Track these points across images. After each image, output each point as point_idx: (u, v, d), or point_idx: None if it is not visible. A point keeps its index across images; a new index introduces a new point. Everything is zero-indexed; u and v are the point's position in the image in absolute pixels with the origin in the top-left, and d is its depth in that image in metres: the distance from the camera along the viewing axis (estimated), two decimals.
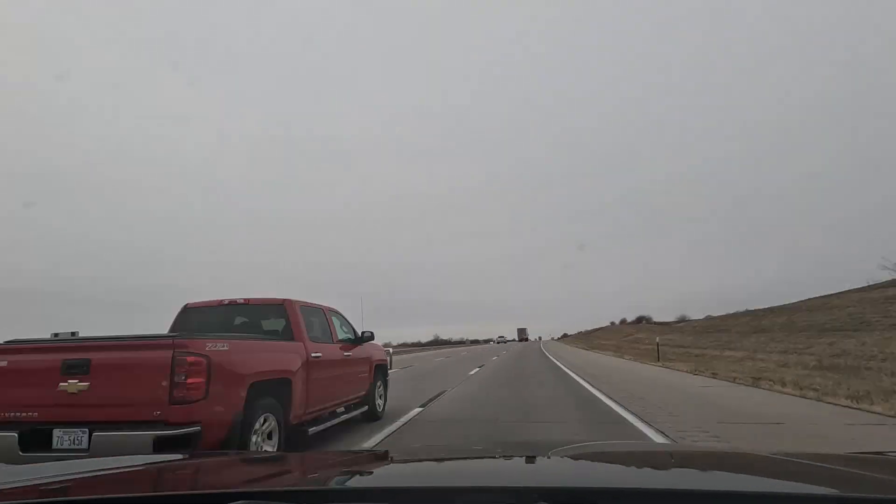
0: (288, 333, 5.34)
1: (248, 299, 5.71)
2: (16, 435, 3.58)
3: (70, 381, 3.63)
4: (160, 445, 3.46)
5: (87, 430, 3.58)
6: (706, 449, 2.99)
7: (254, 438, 4.19)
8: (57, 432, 3.61)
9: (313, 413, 5.35)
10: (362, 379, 6.79)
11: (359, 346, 6.83)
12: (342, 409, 6.36)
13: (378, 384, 7.32)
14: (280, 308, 5.52)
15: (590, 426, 6.84)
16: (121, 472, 1.53)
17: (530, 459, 1.61)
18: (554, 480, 1.22)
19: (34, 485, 1.28)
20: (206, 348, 3.77)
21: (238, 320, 5.86)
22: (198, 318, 5.66)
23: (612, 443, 3.95)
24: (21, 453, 3.52)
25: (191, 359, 3.63)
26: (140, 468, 1.63)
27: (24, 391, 3.76)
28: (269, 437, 4.46)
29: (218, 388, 3.77)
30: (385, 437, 6.15)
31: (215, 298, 5.82)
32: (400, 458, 1.89)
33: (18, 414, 3.70)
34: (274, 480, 1.44)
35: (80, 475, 1.46)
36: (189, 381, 3.60)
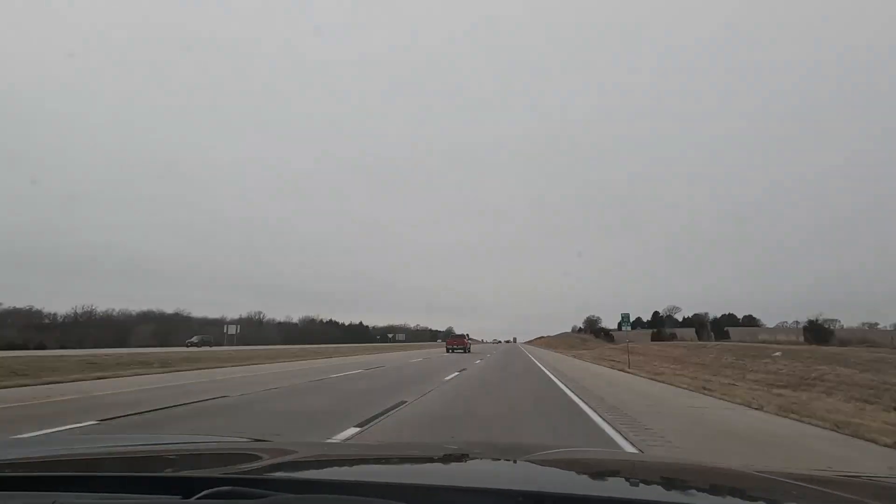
0: (466, 338, 44.21)
1: (463, 334, 46.44)
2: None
3: (451, 350, 41.08)
4: (450, 348, 41.53)
5: (462, 349, 41.73)
6: (696, 465, 2.83)
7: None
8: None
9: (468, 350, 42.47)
10: (469, 345, 44.21)
11: (469, 340, 45.09)
12: (469, 351, 43.10)
13: (470, 346, 44.70)
14: (463, 335, 45.04)
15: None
16: (103, 453, 1.63)
17: (514, 462, 1.65)
18: (538, 485, 1.23)
19: (17, 461, 1.37)
20: (465, 338, 42.43)
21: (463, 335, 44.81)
22: (449, 336, 44.62)
23: (601, 450, 3.90)
24: (447, 351, 39.94)
25: (463, 340, 42.34)
26: (127, 449, 1.74)
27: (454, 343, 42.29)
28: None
29: (468, 343, 42.78)
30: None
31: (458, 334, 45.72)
32: (383, 454, 1.94)
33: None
34: (256, 468, 1.42)
35: (64, 453, 1.55)
36: (465, 341, 43.18)
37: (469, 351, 41.32)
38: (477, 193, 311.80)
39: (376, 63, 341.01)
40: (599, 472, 1.56)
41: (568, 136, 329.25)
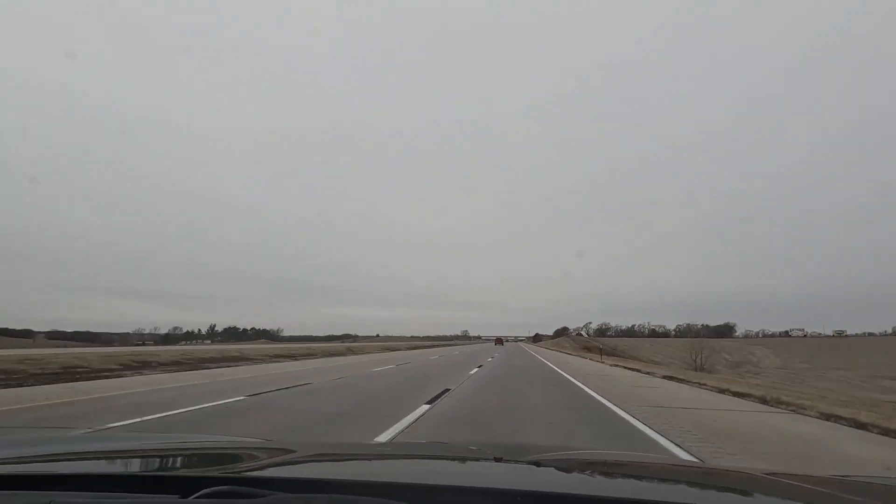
0: (502, 340, 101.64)
1: (502, 335, 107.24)
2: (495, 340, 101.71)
3: (497, 344, 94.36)
4: (498, 343, 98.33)
5: (502, 343, 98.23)
6: (702, 466, 2.93)
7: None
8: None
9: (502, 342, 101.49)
10: (504, 342, 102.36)
11: (502, 339, 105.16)
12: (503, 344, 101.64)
13: (504, 342, 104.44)
14: (500, 338, 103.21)
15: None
16: (100, 452, 1.63)
17: (516, 462, 1.65)
18: (538, 485, 1.23)
19: (14, 459, 1.36)
20: (502, 340, 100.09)
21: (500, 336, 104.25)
22: (496, 337, 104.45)
23: (606, 452, 3.90)
24: (494, 344, 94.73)
25: (502, 339, 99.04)
26: (125, 448, 1.74)
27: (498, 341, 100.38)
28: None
29: (502, 342, 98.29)
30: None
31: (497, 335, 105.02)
32: (387, 453, 1.94)
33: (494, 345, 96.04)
34: (254, 467, 1.41)
35: (61, 452, 1.56)
36: (502, 340, 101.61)
37: (503, 344, 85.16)
38: (474, 188, 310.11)
39: (372, 60, 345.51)
40: (601, 472, 1.57)
41: (568, 131, 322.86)
